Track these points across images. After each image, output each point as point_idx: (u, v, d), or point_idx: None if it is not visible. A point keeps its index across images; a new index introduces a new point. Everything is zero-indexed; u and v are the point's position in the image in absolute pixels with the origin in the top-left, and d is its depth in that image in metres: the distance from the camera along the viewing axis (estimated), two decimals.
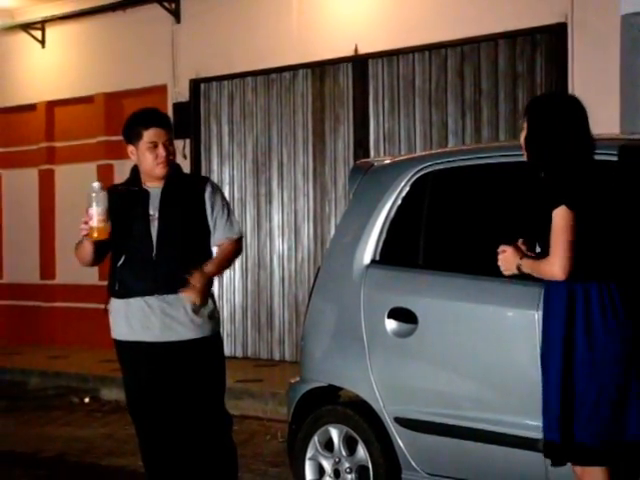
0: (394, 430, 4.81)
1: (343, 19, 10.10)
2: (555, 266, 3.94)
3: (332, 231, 9.96)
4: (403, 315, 4.78)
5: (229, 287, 10.99)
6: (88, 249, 4.98)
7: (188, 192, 5.08)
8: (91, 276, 10.76)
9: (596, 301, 3.97)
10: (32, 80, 13.01)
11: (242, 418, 8.21)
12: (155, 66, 11.58)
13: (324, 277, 5.22)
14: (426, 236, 4.93)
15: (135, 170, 5.13)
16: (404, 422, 4.78)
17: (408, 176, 4.98)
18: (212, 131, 11.26)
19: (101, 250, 5.02)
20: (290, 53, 10.46)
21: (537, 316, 4.32)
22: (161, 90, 11.54)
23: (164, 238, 5.01)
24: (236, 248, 5.17)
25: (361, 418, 4.93)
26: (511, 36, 9.00)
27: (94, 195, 4.80)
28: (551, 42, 8.80)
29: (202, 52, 11.19)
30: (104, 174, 12.13)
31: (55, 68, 12.76)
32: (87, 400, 9.78)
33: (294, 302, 10.57)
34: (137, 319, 5.02)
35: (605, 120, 7.66)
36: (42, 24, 12.63)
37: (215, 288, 5.36)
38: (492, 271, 4.43)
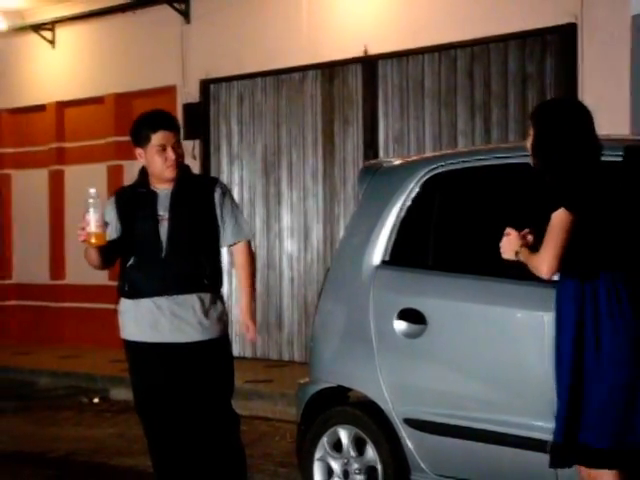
0: (403, 431, 4.81)
1: (353, 20, 10.10)
2: (542, 263, 3.99)
3: (341, 232, 9.96)
4: (412, 316, 4.77)
5: (238, 288, 10.98)
6: (93, 254, 4.99)
7: (197, 193, 5.09)
8: (101, 276, 10.77)
9: (604, 302, 3.98)
10: (42, 81, 13.04)
11: (251, 419, 8.22)
12: (165, 67, 11.60)
13: (333, 278, 5.22)
14: (435, 237, 4.92)
15: (143, 172, 5.14)
16: (413, 423, 4.78)
17: (418, 177, 4.98)
18: (222, 132, 11.27)
19: (109, 253, 5.03)
20: (300, 54, 10.47)
21: (546, 317, 4.32)
22: (171, 91, 11.56)
23: (173, 239, 5.02)
24: (249, 255, 5.19)
25: (370, 419, 4.93)
26: (521, 37, 8.99)
27: (91, 201, 4.81)
28: (561, 42, 8.78)
29: (212, 53, 11.21)
30: (114, 175, 12.16)
31: (65, 69, 12.79)
32: (96, 400, 9.80)
33: (303, 303, 10.58)
34: (146, 320, 5.03)
35: (615, 121, 7.66)
36: (52, 25, 12.66)
37: (224, 289, 5.37)
38: (502, 272, 4.44)
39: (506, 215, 4.71)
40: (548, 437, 4.13)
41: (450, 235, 4.93)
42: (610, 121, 7.14)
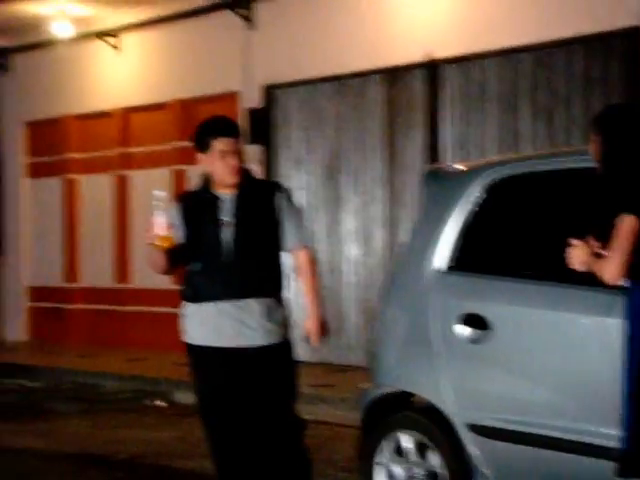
0: (466, 437, 4.79)
1: (415, 24, 10.09)
2: (608, 269, 3.97)
3: (404, 236, 9.95)
4: (476, 321, 4.75)
5: (300, 292, 11.00)
6: (159, 258, 5.02)
7: (260, 198, 5.11)
8: (165, 280, 10.86)
9: None
10: (108, 87, 13.18)
11: (314, 423, 8.23)
12: (228, 72, 11.67)
13: (396, 282, 5.22)
14: (499, 242, 4.90)
15: (206, 177, 5.18)
16: (476, 429, 4.76)
17: (482, 181, 4.96)
18: (284, 137, 11.31)
19: (174, 257, 5.07)
20: (362, 59, 10.48)
21: (612, 323, 4.27)
22: (234, 96, 11.63)
23: (237, 243, 5.05)
24: (311, 260, 5.20)
25: (433, 425, 4.91)
26: (585, 40, 8.91)
27: (158, 203, 4.83)
28: (626, 46, 8.69)
29: (274, 58, 11.26)
30: (177, 179, 12.26)
31: (130, 75, 12.92)
32: (160, 403, 9.87)
33: (366, 307, 10.57)
34: (209, 324, 5.06)
35: None
36: (117, 31, 12.79)
37: (287, 293, 5.38)
38: (567, 278, 4.40)
39: (571, 220, 4.68)
40: (616, 445, 4.09)
41: (514, 240, 4.90)
42: None
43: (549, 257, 4.67)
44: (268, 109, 11.35)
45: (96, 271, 13.48)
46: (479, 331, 4.74)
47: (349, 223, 10.77)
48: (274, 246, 5.14)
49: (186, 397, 9.65)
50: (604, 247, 4.12)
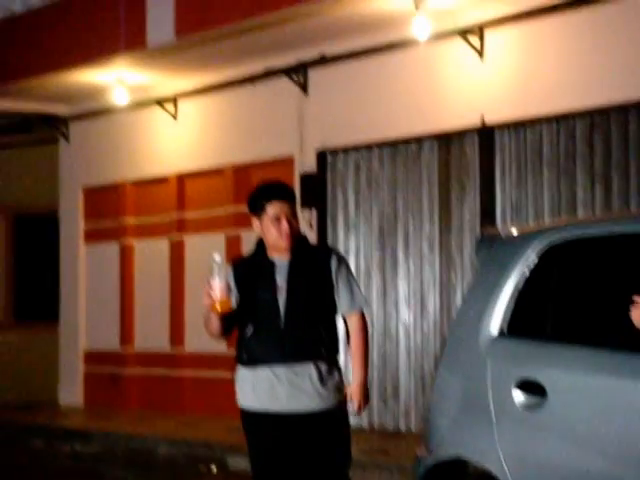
0: None
1: (469, 89, 10.12)
2: None
3: (458, 301, 9.89)
4: (531, 387, 4.69)
5: (351, 357, 10.96)
6: (215, 322, 5.05)
7: (314, 263, 5.13)
8: (219, 345, 10.88)
9: None
10: (164, 153, 13.35)
11: None
12: (283, 138, 11.77)
13: (450, 348, 5.18)
14: (555, 307, 4.85)
15: (260, 241, 5.20)
16: None
17: (536, 246, 4.93)
18: (338, 201, 11.35)
19: (229, 322, 5.09)
20: (416, 123, 10.52)
21: None
22: (288, 161, 11.71)
23: (292, 308, 5.05)
24: (362, 325, 5.19)
25: None
26: None
27: (216, 267, 4.86)
28: None
29: (328, 123, 11.34)
30: (232, 244, 12.32)
31: (186, 141, 13.07)
32: (214, 468, 9.84)
33: (420, 373, 10.49)
34: (264, 388, 5.05)
35: None
36: (174, 98, 12.98)
37: (341, 359, 5.36)
38: (625, 344, 4.34)
39: (629, 286, 4.62)
40: None
41: (569, 305, 4.85)
42: None
43: (605, 322, 4.61)
44: (322, 173, 11.40)
45: (151, 335, 13.54)
46: (535, 397, 4.68)
47: (403, 287, 10.74)
48: (328, 310, 5.13)
49: (240, 462, 9.61)
50: None
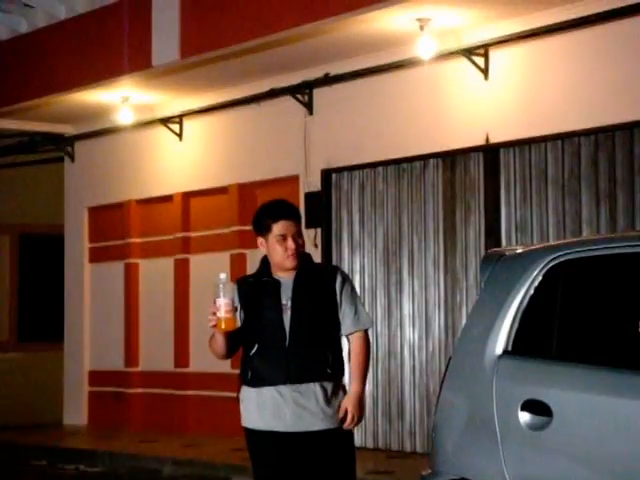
0: None
1: (474, 108, 10.13)
2: None
3: (463, 320, 9.87)
4: (537, 407, 4.68)
5: (350, 374, 10.94)
6: (220, 341, 5.04)
7: (319, 282, 5.12)
8: (224, 364, 10.86)
9: None
10: (169, 172, 13.36)
11: None
12: (288, 157, 11.79)
13: (455, 367, 5.16)
14: (560, 327, 4.84)
15: (265, 260, 5.20)
16: None
17: (541, 265, 4.92)
18: (343, 220, 11.35)
19: (234, 342, 5.08)
20: (421, 142, 10.53)
21: None
22: (293, 180, 11.72)
23: (296, 328, 5.04)
24: (365, 344, 5.18)
25: None
26: None
27: (221, 286, 4.87)
28: None
29: (333, 142, 11.35)
30: (237, 263, 12.32)
31: (191, 160, 13.09)
32: None
33: (425, 392, 10.47)
34: (269, 408, 5.04)
35: None
36: (180, 118, 13.00)
37: (346, 378, 5.35)
38: (631, 363, 4.32)
39: (634, 304, 4.61)
40: None
41: (575, 325, 4.84)
42: None
43: (611, 342, 4.60)
44: (327, 192, 11.41)
45: (156, 355, 13.52)
46: (540, 417, 4.66)
47: (408, 307, 10.72)
48: (333, 330, 5.13)
49: None
50: None
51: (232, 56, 10.91)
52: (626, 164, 9.08)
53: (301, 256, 5.12)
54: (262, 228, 5.14)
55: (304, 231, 5.36)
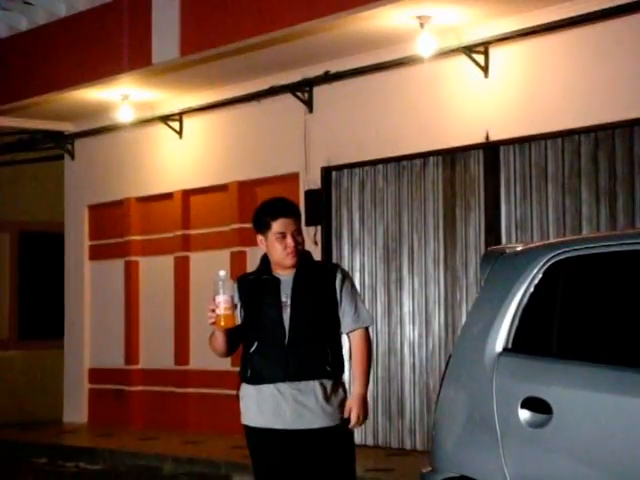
0: None
1: (474, 106, 10.13)
2: None
3: (463, 318, 9.87)
4: (537, 405, 4.68)
5: (352, 373, 10.94)
6: (220, 339, 5.04)
7: (319, 280, 5.12)
8: (224, 362, 10.86)
9: None
10: (169, 170, 13.36)
11: None
12: (288, 154, 11.78)
13: (455, 365, 5.16)
14: (560, 324, 4.84)
15: (265, 258, 5.20)
16: None
17: (541, 263, 4.92)
18: (343, 218, 11.35)
19: (233, 339, 5.08)
20: (421, 140, 10.53)
21: None
22: (293, 178, 11.72)
23: (296, 325, 5.05)
24: (366, 342, 5.18)
25: None
26: None
27: (220, 283, 4.87)
28: None
29: (333, 140, 11.35)
30: (237, 261, 12.32)
31: (191, 158, 13.09)
32: None
33: (425, 390, 10.47)
34: (268, 406, 5.04)
35: None
36: (180, 115, 13.00)
37: (346, 375, 5.35)
38: (631, 361, 4.32)
39: (634, 302, 4.61)
40: None
41: (575, 322, 4.84)
42: None
43: (611, 340, 4.60)
44: (327, 190, 11.41)
45: (156, 353, 13.52)
46: (540, 415, 4.66)
47: (408, 304, 10.73)
48: (333, 327, 5.13)
49: None
50: None
51: (232, 54, 10.91)
52: (626, 162, 9.08)
53: (301, 254, 5.13)
54: (262, 226, 5.15)
55: (304, 229, 5.36)
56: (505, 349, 4.91)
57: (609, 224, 9.12)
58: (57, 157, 14.86)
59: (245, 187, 12.44)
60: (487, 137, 9.99)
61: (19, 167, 15.14)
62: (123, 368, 13.83)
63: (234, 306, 4.92)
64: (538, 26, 9.48)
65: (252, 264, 10.82)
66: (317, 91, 11.57)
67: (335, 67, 11.24)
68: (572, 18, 9.23)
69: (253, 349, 5.10)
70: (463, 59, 10.06)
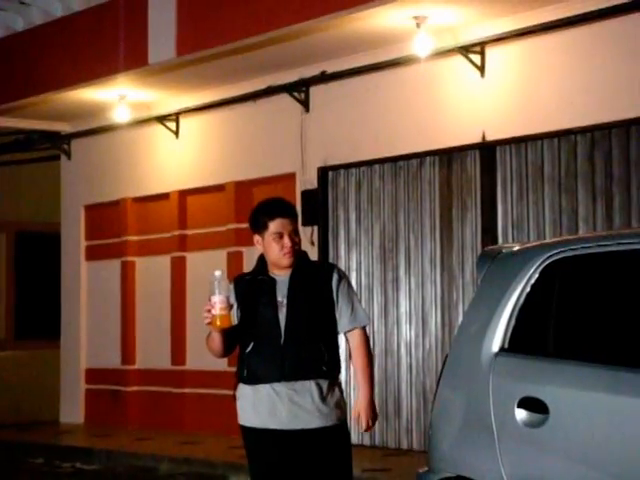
0: None
1: (470, 106, 10.14)
2: None
3: (460, 318, 9.88)
4: (533, 405, 4.68)
5: (355, 376, 10.94)
6: (216, 339, 5.04)
7: (315, 280, 5.12)
8: (220, 362, 10.85)
9: None
10: (166, 170, 13.36)
11: None
12: (284, 154, 11.78)
13: (452, 365, 5.17)
14: (556, 324, 4.84)
15: (262, 258, 5.20)
16: None
17: (537, 263, 4.92)
18: (340, 218, 11.36)
19: (230, 340, 5.08)
20: (417, 140, 10.53)
21: None
22: (290, 178, 11.72)
23: (292, 325, 5.05)
24: (365, 343, 5.18)
25: None
26: None
27: (216, 283, 4.87)
28: None
29: (330, 140, 11.35)
30: (234, 261, 12.32)
31: (188, 158, 13.09)
32: None
33: (422, 390, 10.47)
34: (264, 406, 5.04)
35: None
36: (176, 116, 13.00)
37: (342, 375, 5.35)
38: (628, 361, 4.32)
39: (631, 302, 4.62)
40: None
41: (571, 322, 4.84)
42: None
43: (608, 339, 4.60)
44: (323, 190, 11.41)
45: (152, 353, 13.52)
46: (537, 415, 4.66)
47: (404, 304, 10.73)
48: (329, 327, 5.13)
49: None
50: None
51: (228, 54, 10.90)
52: (622, 161, 9.08)
53: (297, 254, 5.13)
54: (258, 226, 5.15)
55: (301, 229, 5.36)
56: (502, 349, 4.91)
57: (605, 224, 9.13)
58: (53, 157, 14.85)
59: (242, 187, 12.44)
60: (483, 137, 9.99)
61: (15, 167, 15.13)
62: (120, 368, 13.82)
63: (230, 306, 4.92)
64: (534, 26, 9.48)
65: (249, 264, 10.82)
66: (313, 91, 11.57)
67: (331, 67, 11.25)
68: (568, 18, 9.24)
69: (249, 349, 5.10)
70: (459, 59, 10.06)
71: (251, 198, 11.98)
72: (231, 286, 5.20)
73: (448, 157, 10.41)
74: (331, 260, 11.07)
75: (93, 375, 14.22)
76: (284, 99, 11.67)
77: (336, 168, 11.35)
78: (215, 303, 4.88)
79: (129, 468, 11.01)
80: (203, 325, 5.11)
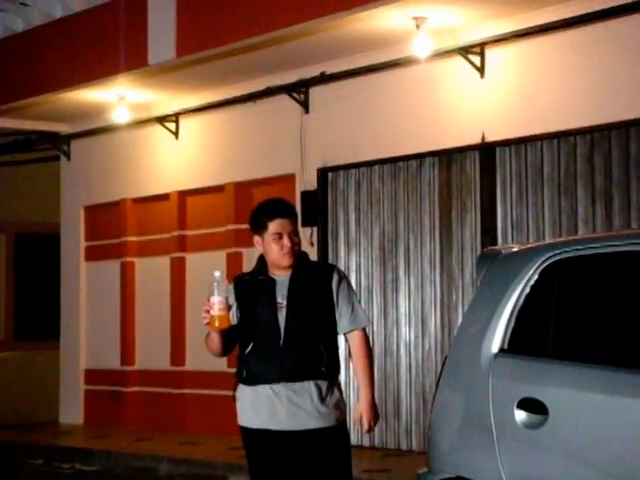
0: None
1: (470, 107, 10.14)
2: None
3: (459, 319, 9.88)
4: (532, 406, 4.68)
5: (356, 377, 10.94)
6: (215, 339, 5.04)
7: (315, 280, 5.12)
8: (220, 363, 10.85)
9: None
10: (165, 171, 13.36)
11: None
12: (284, 155, 11.79)
13: (451, 366, 5.17)
14: (556, 325, 4.84)
15: (262, 259, 5.21)
16: None
17: (537, 264, 4.92)
18: (339, 219, 11.36)
19: (230, 340, 5.08)
20: (417, 141, 10.53)
21: None
22: (290, 179, 11.72)
23: (292, 326, 5.05)
24: (365, 343, 5.18)
25: None
26: None
27: (215, 284, 4.87)
28: None
29: (330, 141, 11.35)
30: (233, 262, 12.32)
31: (187, 159, 13.09)
32: None
33: (421, 391, 10.47)
34: (264, 406, 5.04)
35: None
36: (176, 116, 13.00)
37: (342, 376, 5.35)
38: (627, 362, 4.32)
39: (631, 303, 4.62)
40: None
41: (571, 323, 4.84)
42: None
43: (607, 340, 4.60)
44: (323, 191, 11.41)
45: (152, 353, 13.52)
46: (536, 416, 4.66)
47: (404, 305, 10.73)
48: (329, 328, 5.13)
49: None
50: None
51: (228, 54, 10.91)
52: (622, 163, 9.09)
53: (297, 255, 5.13)
54: (258, 226, 5.15)
55: (300, 230, 5.36)
56: (501, 350, 4.91)
57: (605, 225, 9.13)
58: (53, 158, 14.85)
59: (241, 188, 12.44)
60: (483, 138, 9.99)
61: (15, 168, 15.13)
62: (119, 369, 13.82)
63: (229, 307, 4.92)
64: (534, 27, 9.48)
65: (248, 265, 10.82)
66: (313, 92, 11.57)
67: (331, 68, 11.25)
68: (568, 19, 9.24)
69: (249, 350, 5.10)
70: (459, 60, 10.06)
71: (251, 199, 11.98)
72: (230, 286, 5.20)
73: (448, 158, 10.41)
74: (330, 261, 11.07)
75: (93, 376, 14.22)
76: (284, 100, 11.67)
77: (336, 169, 11.35)
78: (214, 304, 4.88)
79: (129, 469, 11.01)
80: (202, 326, 5.10)
